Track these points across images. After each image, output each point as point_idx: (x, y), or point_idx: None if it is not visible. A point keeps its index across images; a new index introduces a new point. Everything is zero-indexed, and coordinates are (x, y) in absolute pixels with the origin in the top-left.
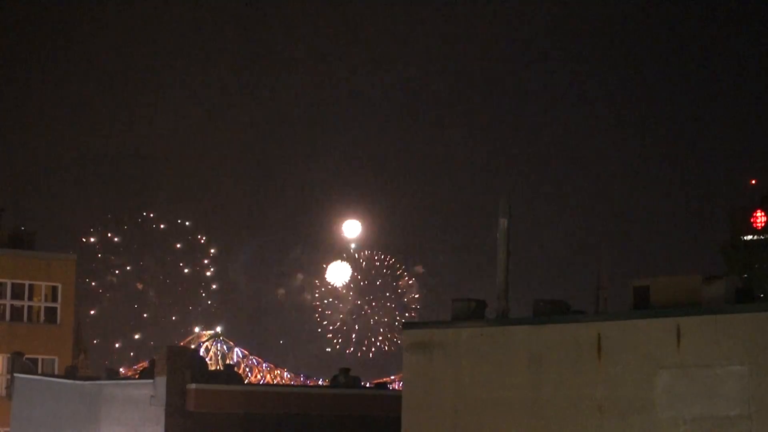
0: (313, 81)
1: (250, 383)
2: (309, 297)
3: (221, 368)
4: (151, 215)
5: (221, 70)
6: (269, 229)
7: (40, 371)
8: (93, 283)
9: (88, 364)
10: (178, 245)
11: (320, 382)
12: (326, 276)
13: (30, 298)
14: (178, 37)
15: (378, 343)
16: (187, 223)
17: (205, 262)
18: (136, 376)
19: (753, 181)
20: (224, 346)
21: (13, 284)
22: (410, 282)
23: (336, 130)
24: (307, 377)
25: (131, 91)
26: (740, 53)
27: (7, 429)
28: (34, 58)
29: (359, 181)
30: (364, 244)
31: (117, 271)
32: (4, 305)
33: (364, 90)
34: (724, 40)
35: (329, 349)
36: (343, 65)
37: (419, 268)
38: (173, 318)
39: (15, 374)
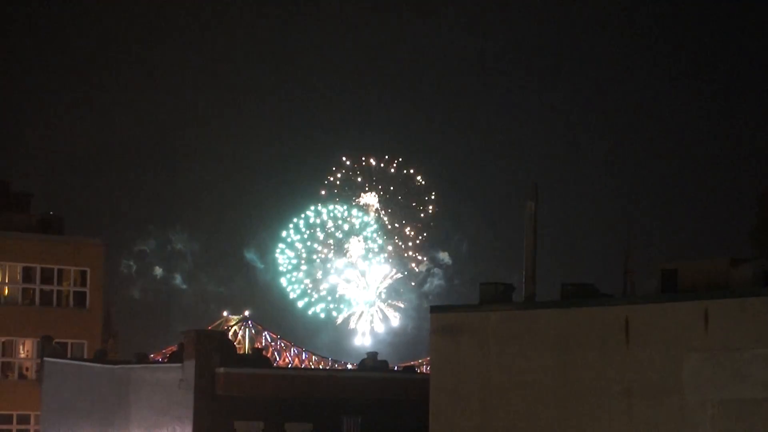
0: (328, 62)
1: (278, 367)
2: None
3: (249, 352)
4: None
5: (241, 56)
6: (276, 213)
7: (69, 355)
8: (123, 268)
9: (117, 348)
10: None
11: (348, 366)
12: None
13: (59, 283)
14: (204, 22)
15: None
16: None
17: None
18: (165, 360)
19: None
20: (252, 330)
21: (42, 269)
22: (434, 270)
23: (354, 112)
24: (334, 361)
25: (161, 77)
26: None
27: (38, 412)
28: (65, 42)
29: (382, 163)
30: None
31: (146, 251)
32: (34, 290)
33: (387, 69)
34: (751, 17)
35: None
36: (357, 45)
37: (444, 255)
38: (202, 302)
39: (45, 358)
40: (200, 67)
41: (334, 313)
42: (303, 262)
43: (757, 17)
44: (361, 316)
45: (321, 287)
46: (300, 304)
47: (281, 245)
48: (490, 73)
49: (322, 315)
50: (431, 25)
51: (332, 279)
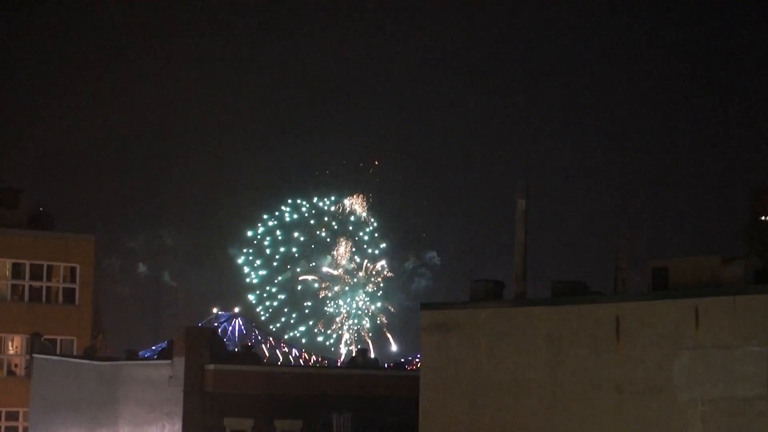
0: (322, 60)
1: (268, 363)
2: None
3: (239, 349)
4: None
5: (236, 49)
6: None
7: (58, 352)
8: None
9: (107, 344)
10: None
11: (338, 363)
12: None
13: (48, 279)
14: (192, 20)
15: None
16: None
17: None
18: (155, 357)
19: None
20: (243, 327)
21: (31, 265)
22: (421, 270)
23: (343, 112)
24: (323, 358)
25: (151, 71)
26: (761, 28)
27: (26, 409)
28: (55, 37)
29: (368, 163)
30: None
31: (135, 247)
32: (23, 286)
33: (374, 70)
34: (744, 13)
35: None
36: (352, 43)
37: (433, 254)
38: (191, 298)
39: (34, 355)
40: (191, 63)
41: (319, 338)
42: (275, 271)
43: (753, 14)
44: (344, 333)
45: (299, 303)
46: (272, 328)
47: (246, 249)
48: (482, 69)
49: (303, 340)
50: (417, 22)
51: (311, 282)
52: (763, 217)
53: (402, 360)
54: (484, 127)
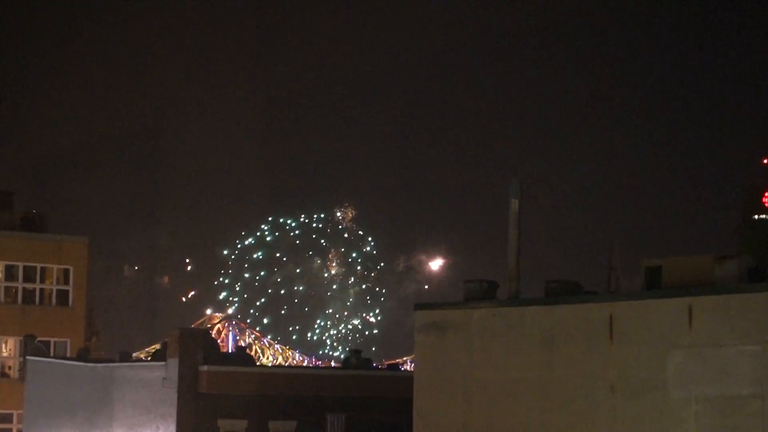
0: (313, 64)
1: (261, 365)
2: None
3: (233, 350)
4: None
5: (229, 56)
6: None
7: (52, 354)
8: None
9: (101, 346)
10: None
11: (332, 364)
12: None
13: (42, 281)
14: (190, 21)
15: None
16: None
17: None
18: (149, 359)
19: (765, 161)
20: (236, 328)
21: (25, 267)
22: (410, 273)
23: (337, 113)
24: (317, 358)
25: (145, 73)
26: (753, 31)
27: (20, 411)
28: (48, 39)
29: (360, 165)
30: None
31: (129, 249)
32: (16, 288)
33: (368, 68)
34: (736, 15)
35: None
36: (349, 46)
37: (423, 257)
38: (184, 300)
39: (27, 357)
40: (185, 67)
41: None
42: (256, 292)
43: (750, 15)
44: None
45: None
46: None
47: (222, 271)
48: (475, 70)
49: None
50: (408, 23)
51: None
52: (756, 216)
53: (396, 360)
54: (476, 127)
